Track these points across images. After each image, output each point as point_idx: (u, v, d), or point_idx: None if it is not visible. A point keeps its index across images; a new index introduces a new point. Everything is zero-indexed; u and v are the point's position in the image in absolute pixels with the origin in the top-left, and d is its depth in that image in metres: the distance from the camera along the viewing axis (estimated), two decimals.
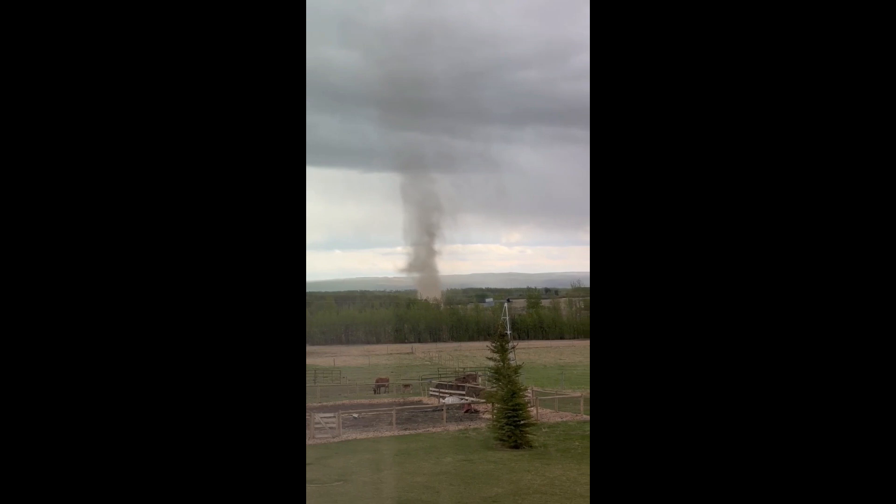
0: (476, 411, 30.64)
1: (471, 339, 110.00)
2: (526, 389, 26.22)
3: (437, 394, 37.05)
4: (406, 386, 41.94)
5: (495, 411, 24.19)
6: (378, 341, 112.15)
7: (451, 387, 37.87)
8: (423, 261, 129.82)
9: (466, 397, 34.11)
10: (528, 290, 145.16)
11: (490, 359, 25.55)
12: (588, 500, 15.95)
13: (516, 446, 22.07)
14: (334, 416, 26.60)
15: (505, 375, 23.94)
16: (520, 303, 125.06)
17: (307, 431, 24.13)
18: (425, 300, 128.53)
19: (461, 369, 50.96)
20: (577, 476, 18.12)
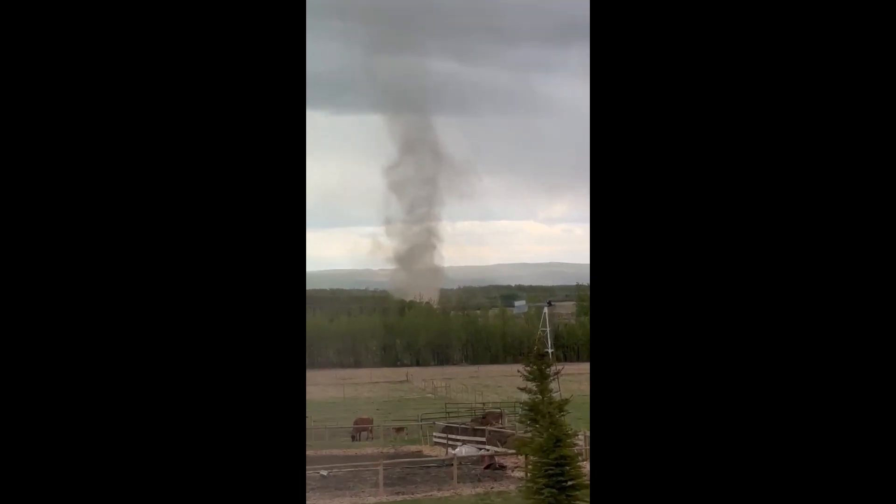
0: (502, 467, 30.77)
1: (494, 360, 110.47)
2: (576, 434, 26.25)
3: (444, 441, 37.23)
4: (398, 430, 42.19)
5: (530, 467, 24.19)
6: (357, 364, 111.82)
7: (464, 431, 38.01)
8: (418, 245, 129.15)
9: (487, 446, 34.21)
10: (578, 287, 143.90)
11: (523, 389, 25.50)
12: None
13: None
14: None
15: (545, 414, 23.91)
16: (566, 307, 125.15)
17: None
18: (425, 303, 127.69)
19: (479, 405, 51.14)
20: None
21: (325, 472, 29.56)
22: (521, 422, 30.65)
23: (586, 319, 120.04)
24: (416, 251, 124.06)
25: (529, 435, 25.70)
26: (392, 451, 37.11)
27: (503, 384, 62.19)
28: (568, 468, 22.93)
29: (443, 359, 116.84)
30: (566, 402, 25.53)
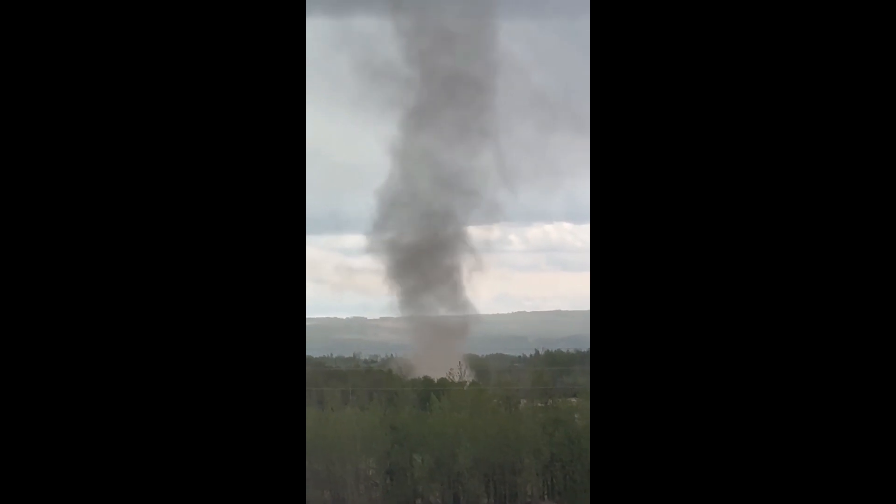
0: None
1: None
2: None
3: None
4: None
5: None
6: None
7: None
8: (443, 265, 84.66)
9: None
10: None
11: None
12: None
13: None
14: None
15: None
16: None
17: None
18: (468, 384, 76.27)
19: None
20: None
21: None
22: None
23: None
24: (441, 277, 75.33)
25: None
26: None
27: None
28: None
29: (505, 492, 67.15)
30: None
